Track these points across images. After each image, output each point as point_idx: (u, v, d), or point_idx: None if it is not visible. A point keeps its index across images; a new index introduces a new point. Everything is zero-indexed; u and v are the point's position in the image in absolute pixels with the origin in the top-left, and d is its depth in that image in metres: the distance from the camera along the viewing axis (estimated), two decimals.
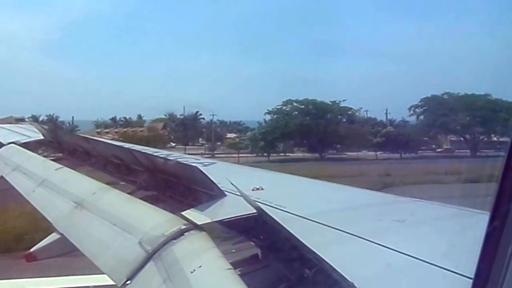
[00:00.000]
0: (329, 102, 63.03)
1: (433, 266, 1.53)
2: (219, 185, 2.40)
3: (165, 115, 76.21)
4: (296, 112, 63.65)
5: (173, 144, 69.31)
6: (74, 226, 2.63)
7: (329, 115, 63.54)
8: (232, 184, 2.25)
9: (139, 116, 78.21)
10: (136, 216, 2.36)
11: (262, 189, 2.60)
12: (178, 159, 3.38)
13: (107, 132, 64.22)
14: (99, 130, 68.52)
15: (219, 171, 3.23)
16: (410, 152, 61.31)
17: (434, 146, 66.15)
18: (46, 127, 6.38)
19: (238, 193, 2.21)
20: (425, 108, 64.91)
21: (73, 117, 74.26)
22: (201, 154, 60.12)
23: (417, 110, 65.68)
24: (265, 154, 61.43)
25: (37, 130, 6.22)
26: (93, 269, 2.22)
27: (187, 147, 67.19)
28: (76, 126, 73.40)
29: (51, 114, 72.32)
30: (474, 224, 1.98)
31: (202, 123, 78.67)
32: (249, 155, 60.34)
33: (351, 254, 1.77)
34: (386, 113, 70.75)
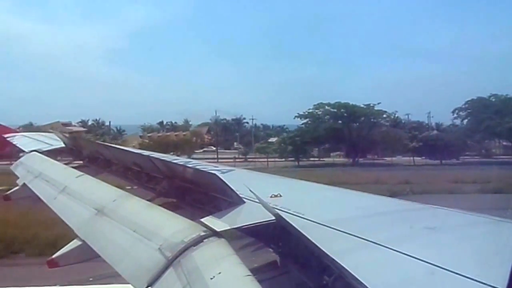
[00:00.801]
0: (362, 106, 60.14)
1: (458, 276, 1.50)
2: (237, 192, 2.41)
3: (211, 120, 77.58)
4: (328, 116, 61.36)
5: (213, 148, 70.22)
6: (95, 233, 2.67)
7: (363, 118, 60.51)
8: (251, 191, 2.25)
9: (186, 121, 79.53)
10: (156, 222, 2.38)
11: (280, 196, 2.61)
12: (197, 166, 3.41)
13: (149, 136, 65.70)
14: (142, 134, 70.48)
15: (237, 178, 3.24)
16: (451, 157, 57.51)
17: (483, 151, 61.84)
18: (67, 135, 6.50)
19: (257, 200, 2.21)
20: (469, 111, 61.29)
21: (110, 122, 76.00)
22: (234, 158, 60.32)
23: (461, 113, 62.25)
24: (294, 159, 59.63)
25: (58, 138, 6.34)
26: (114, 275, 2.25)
27: (220, 151, 67.23)
28: (123, 130, 75.54)
29: (97, 118, 74.26)
30: (500, 233, 1.94)
31: (246, 127, 79.13)
32: (280, 160, 59.34)
33: (372, 262, 1.76)
34: (429, 117, 67.58)
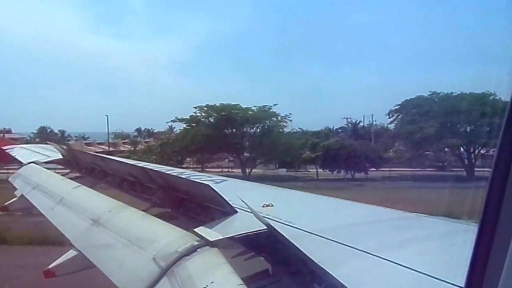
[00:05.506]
0: (254, 108, 47.47)
1: (433, 279, 1.57)
2: (230, 202, 2.46)
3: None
4: (208, 120, 49.80)
5: None
6: (91, 243, 2.71)
7: (247, 124, 48.34)
8: (243, 201, 2.30)
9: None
10: (151, 232, 2.43)
11: (272, 205, 2.65)
12: (191, 177, 3.46)
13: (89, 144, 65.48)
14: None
15: (230, 188, 3.29)
16: (359, 170, 44.85)
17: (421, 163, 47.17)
18: (64, 147, 6.55)
19: (249, 210, 2.26)
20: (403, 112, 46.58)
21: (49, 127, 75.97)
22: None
23: (398, 115, 47.01)
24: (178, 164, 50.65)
25: (56, 150, 6.39)
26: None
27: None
28: (87, 137, 76.33)
29: (46, 125, 74.39)
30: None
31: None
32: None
33: (360, 270, 1.80)
34: (371, 120, 53.59)
